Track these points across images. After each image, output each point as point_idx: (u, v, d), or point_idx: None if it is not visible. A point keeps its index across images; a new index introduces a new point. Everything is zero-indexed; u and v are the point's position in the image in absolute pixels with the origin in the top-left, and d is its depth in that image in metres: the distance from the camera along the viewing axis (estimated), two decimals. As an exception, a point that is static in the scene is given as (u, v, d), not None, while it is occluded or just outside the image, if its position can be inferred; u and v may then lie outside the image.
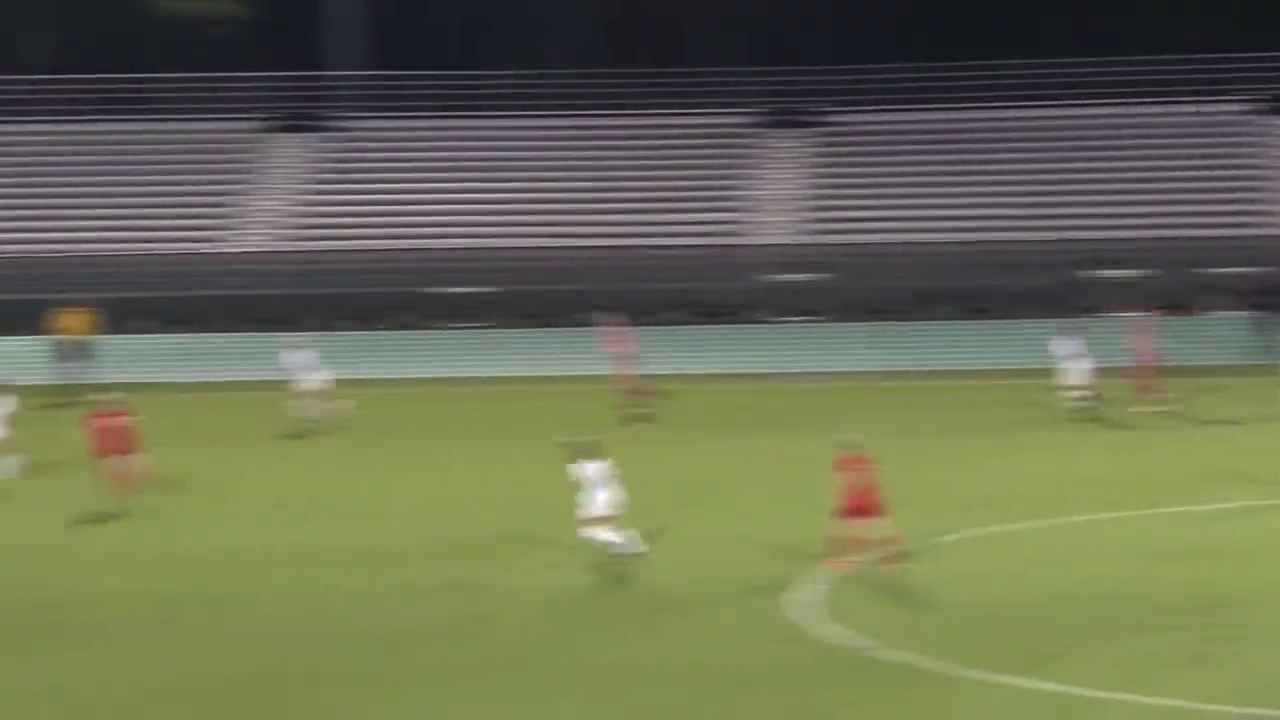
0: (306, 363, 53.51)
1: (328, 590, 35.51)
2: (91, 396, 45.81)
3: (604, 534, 36.11)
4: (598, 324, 55.65)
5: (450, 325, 72.35)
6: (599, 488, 36.10)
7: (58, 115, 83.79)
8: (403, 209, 78.34)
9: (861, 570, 35.04)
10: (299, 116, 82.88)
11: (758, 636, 31.76)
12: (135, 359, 64.77)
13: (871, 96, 79.43)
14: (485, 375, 62.74)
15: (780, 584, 34.49)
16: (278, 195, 79.72)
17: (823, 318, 71.98)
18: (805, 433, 48.84)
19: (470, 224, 77.15)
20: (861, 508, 35.21)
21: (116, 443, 42.87)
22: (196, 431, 53.42)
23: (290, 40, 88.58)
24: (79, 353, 59.11)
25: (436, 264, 74.33)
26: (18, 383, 49.28)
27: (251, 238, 77.58)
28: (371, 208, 78.73)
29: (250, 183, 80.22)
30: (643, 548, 36.41)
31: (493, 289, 72.14)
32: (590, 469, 36.21)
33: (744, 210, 77.49)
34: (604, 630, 32.54)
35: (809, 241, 75.56)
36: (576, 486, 36.28)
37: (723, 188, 78.73)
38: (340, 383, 54.12)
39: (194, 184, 79.78)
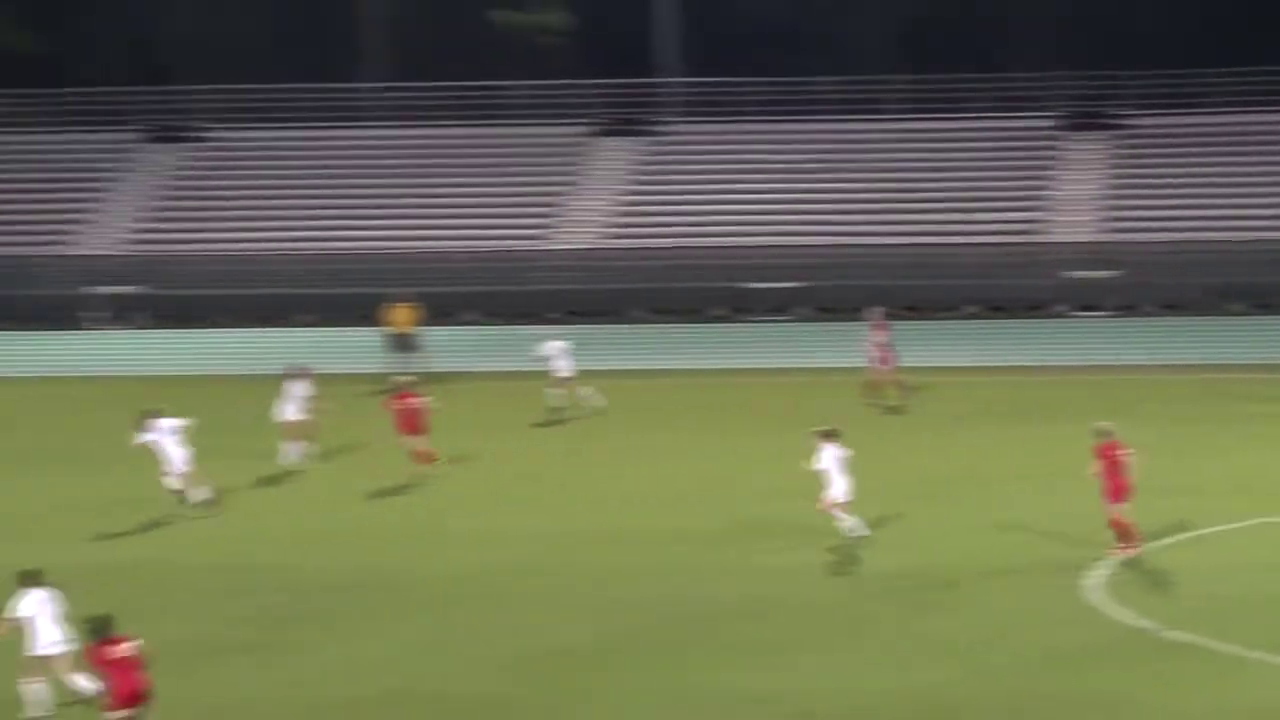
0: (561, 352, 53.42)
1: (629, 568, 35.52)
2: (393, 381, 46.28)
3: (842, 516, 36.28)
4: (867, 319, 54.89)
5: (759, 319, 72.47)
6: (839, 474, 36.14)
7: (400, 121, 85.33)
8: (717, 208, 78.41)
9: (1135, 555, 34.54)
10: (624, 121, 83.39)
11: (1054, 617, 31.65)
12: (464, 349, 65.66)
13: (1168, 100, 78.20)
14: (789, 366, 62.37)
15: (1064, 566, 34.05)
16: (602, 195, 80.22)
17: (1118, 313, 71.03)
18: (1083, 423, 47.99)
19: (779, 223, 76.98)
20: (1119, 493, 34.95)
21: (412, 423, 44.11)
22: (527, 417, 53.53)
23: (617, 50, 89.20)
24: (405, 344, 59.79)
25: (746, 260, 74.34)
26: (347, 371, 49.91)
27: (577, 235, 78.09)
28: (688, 207, 78.89)
29: (577, 183, 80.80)
30: (866, 531, 36.43)
31: (798, 284, 72.03)
32: (829, 455, 36.17)
33: (1044, 209, 76.56)
34: (896, 607, 32.34)
35: (1106, 239, 74.54)
36: (820, 472, 36.28)
37: (1023, 188, 77.84)
38: (652, 373, 54.25)
39: (525, 185, 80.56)
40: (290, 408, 46.78)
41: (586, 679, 28.70)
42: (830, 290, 69.64)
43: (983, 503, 40.39)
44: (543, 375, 53.20)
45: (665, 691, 27.99)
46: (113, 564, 36.44)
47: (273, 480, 44.97)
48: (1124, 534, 34.86)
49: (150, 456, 41.12)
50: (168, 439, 41.52)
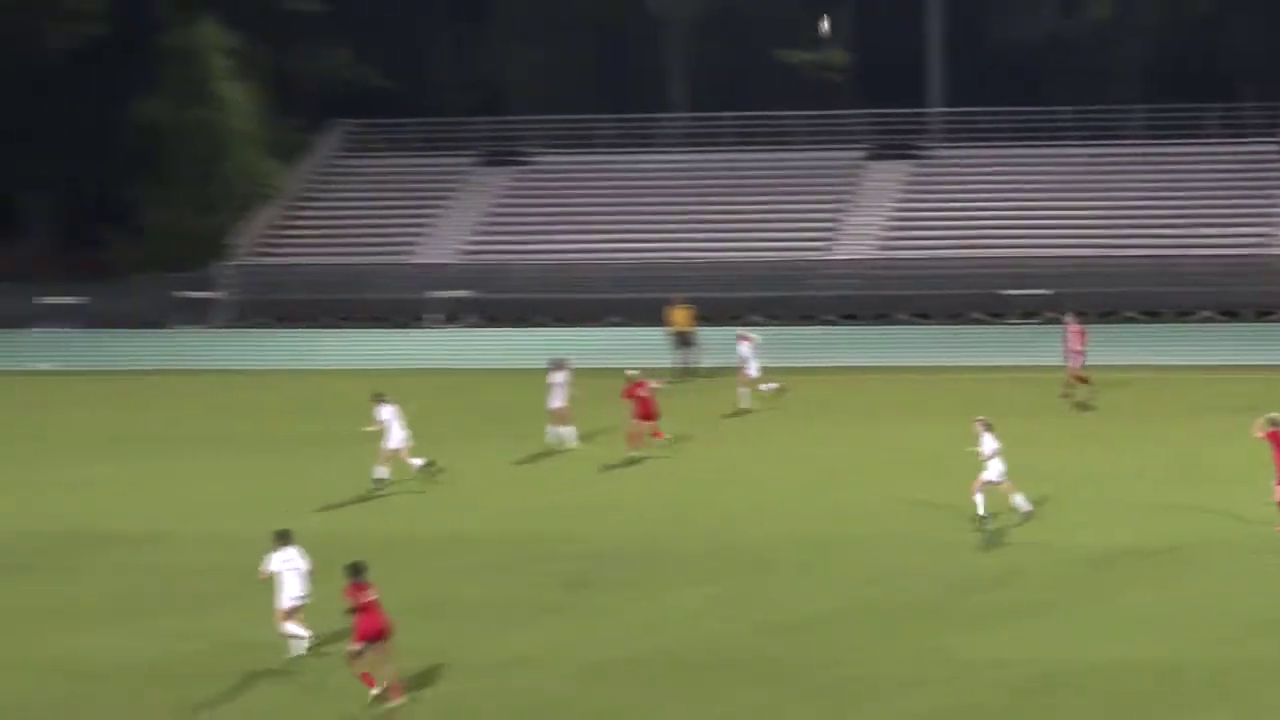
0: (752, 353, 53.06)
1: (879, 542, 35.40)
2: (630, 372, 46.59)
3: (981, 497, 36.15)
4: (1066, 322, 53.81)
5: (1013, 322, 71.96)
6: (994, 458, 36.07)
7: (696, 146, 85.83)
8: (975, 224, 77.89)
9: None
10: (894, 146, 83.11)
11: (1263, 590, 31.15)
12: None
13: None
14: (1040, 364, 61.58)
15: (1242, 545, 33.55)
16: (874, 212, 79.93)
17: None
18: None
19: (1031, 236, 76.29)
20: None
21: (645, 410, 44.90)
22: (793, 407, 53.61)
23: (888, 83, 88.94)
24: (684, 340, 60.32)
25: (1001, 270, 73.74)
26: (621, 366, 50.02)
27: (852, 247, 77.93)
28: (950, 222, 78.41)
29: (852, 202, 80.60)
30: (1028, 508, 36.31)
31: (1048, 291, 71.36)
32: (988, 441, 36.11)
33: (1273, 225, 75.09)
34: (1117, 580, 32.02)
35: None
36: (982, 457, 36.10)
37: (1253, 205, 76.39)
38: (916, 369, 53.96)
39: (807, 203, 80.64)
40: (556, 396, 46.94)
41: (846, 640, 28.70)
42: (1077, 297, 68.66)
43: (1210, 486, 39.63)
44: (811, 371, 52.93)
45: (918, 653, 27.88)
46: (434, 535, 37.04)
47: (550, 460, 45.22)
48: None
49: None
50: (392, 421, 42.23)
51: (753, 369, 52.56)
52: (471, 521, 38.06)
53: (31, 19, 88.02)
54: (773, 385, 52.47)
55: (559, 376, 47.11)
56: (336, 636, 27.75)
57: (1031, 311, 72.00)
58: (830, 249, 77.93)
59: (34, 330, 77.66)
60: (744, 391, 52.54)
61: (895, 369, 60.16)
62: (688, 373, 58.99)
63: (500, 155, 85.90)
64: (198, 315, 78.61)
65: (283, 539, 28.73)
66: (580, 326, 71.50)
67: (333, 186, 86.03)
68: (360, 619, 26.13)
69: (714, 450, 45.56)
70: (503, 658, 27.96)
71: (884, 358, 62.51)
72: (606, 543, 35.60)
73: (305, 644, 28.51)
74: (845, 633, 29.18)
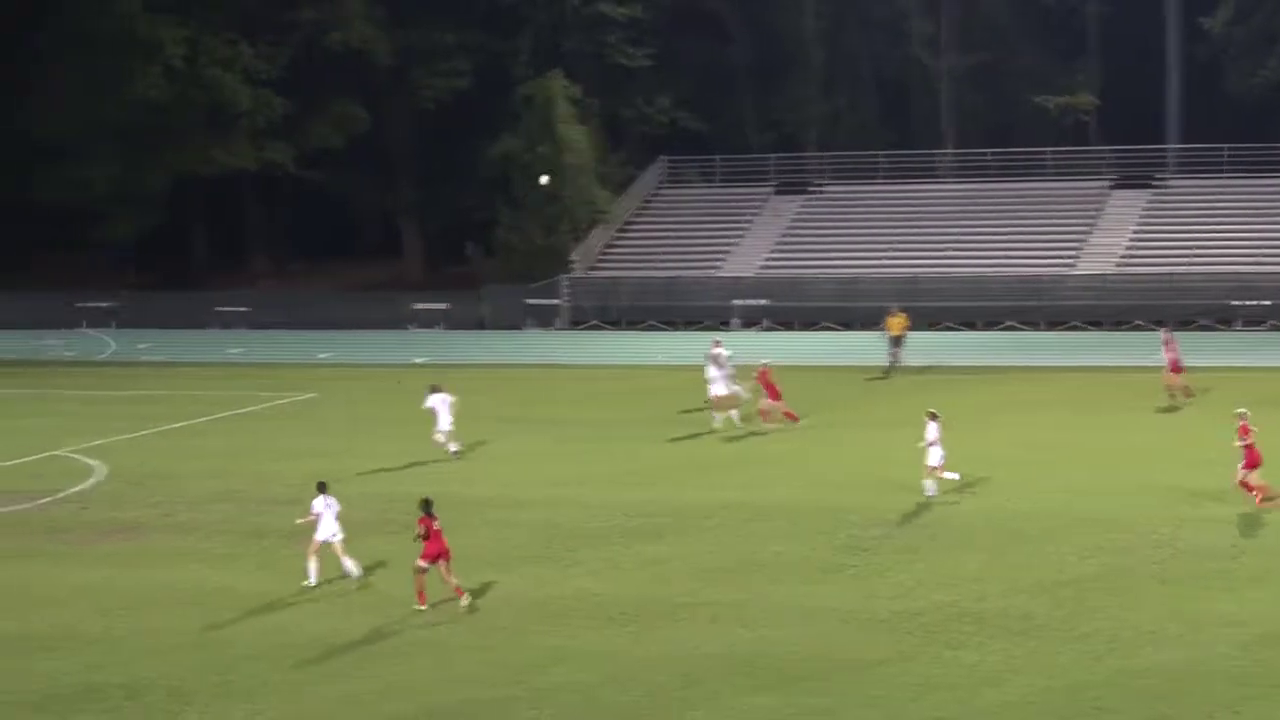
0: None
1: (1121, 517, 34.65)
2: (765, 362, 47.42)
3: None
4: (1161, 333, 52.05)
5: (1238, 330, 70.34)
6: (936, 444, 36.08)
7: (961, 177, 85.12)
8: (1206, 243, 76.19)
9: None
10: (1134, 177, 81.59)
11: None
12: (992, 349, 65.27)
13: None
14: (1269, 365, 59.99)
15: None
16: (1116, 233, 78.57)
17: None
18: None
19: (1253, 255, 74.51)
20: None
21: (773, 392, 45.86)
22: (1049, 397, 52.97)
23: (1128, 121, 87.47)
24: (896, 342, 60.14)
25: (1228, 284, 72.09)
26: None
27: (1095, 263, 76.64)
28: (1181, 243, 76.78)
29: (1096, 225, 79.31)
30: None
31: (1272, 302, 69.89)
32: (932, 429, 35.97)
33: None
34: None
35: None
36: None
37: None
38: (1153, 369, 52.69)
39: (1054, 226, 79.51)
40: (718, 384, 46.78)
41: (1095, 601, 28.22)
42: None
43: None
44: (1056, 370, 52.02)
45: (1160, 612, 27.35)
46: (741, 503, 36.91)
47: (834, 441, 44.75)
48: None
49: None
50: (441, 407, 42.87)
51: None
52: (772, 494, 38.12)
53: (414, 75, 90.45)
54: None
55: (714, 371, 46.96)
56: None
57: (1255, 320, 70.37)
58: (1075, 265, 76.73)
59: (410, 330, 79.76)
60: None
61: (1131, 369, 58.86)
62: (894, 369, 58.85)
63: (793, 185, 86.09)
64: (544, 319, 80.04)
65: (321, 488, 30.41)
66: (861, 330, 71.31)
67: (653, 211, 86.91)
68: (426, 543, 28.04)
69: (980, 436, 44.92)
70: (797, 609, 28.08)
71: (1122, 358, 61.21)
72: (888, 514, 35.31)
73: (357, 574, 30.00)
74: (1092, 593, 28.80)
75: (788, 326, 75.68)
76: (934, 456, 36.19)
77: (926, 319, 69.16)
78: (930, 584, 29.41)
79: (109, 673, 25.03)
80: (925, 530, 33.70)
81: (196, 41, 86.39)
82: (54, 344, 74.60)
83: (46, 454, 44.96)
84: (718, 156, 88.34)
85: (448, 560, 28.24)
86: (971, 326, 72.93)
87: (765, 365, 47.24)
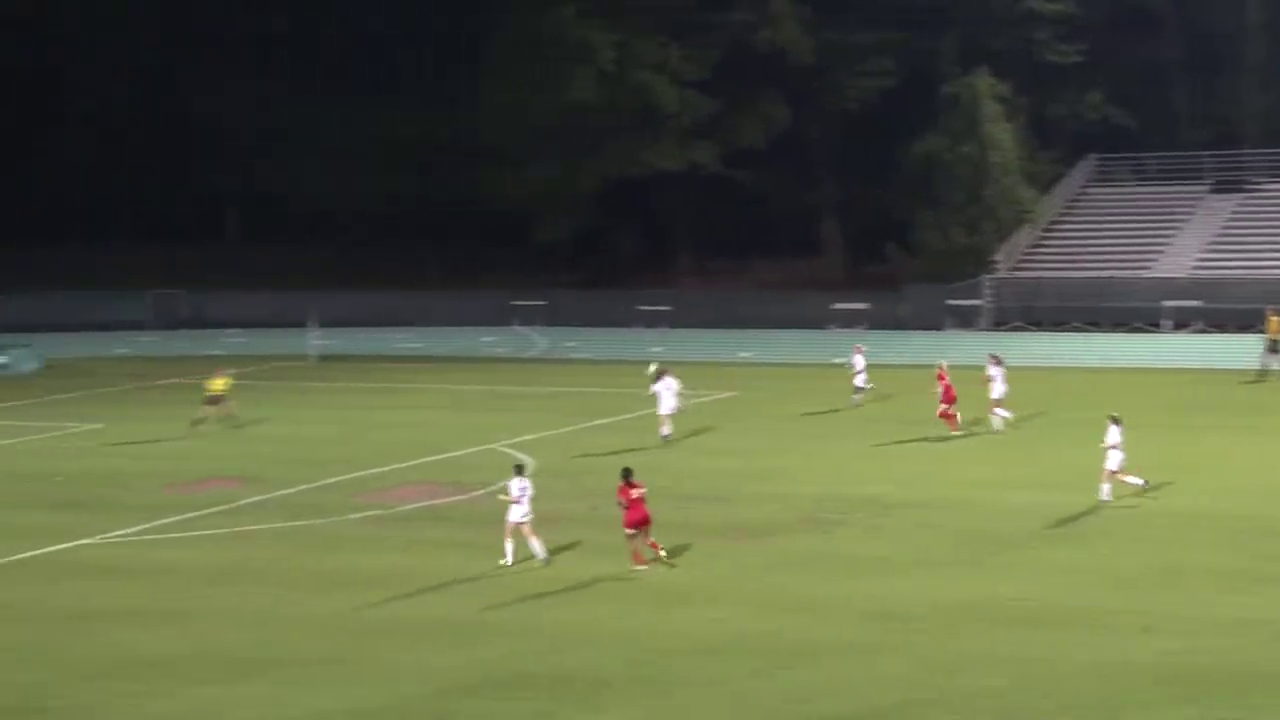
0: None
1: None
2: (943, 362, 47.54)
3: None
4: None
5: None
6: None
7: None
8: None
9: None
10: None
11: None
12: None
13: None
14: None
15: None
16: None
17: None
18: None
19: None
20: None
21: (949, 395, 46.14)
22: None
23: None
24: (1273, 348, 57.66)
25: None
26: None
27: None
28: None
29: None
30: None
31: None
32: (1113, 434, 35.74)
33: None
34: None
35: None
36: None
37: None
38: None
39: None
40: (996, 388, 46.82)
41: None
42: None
43: None
44: None
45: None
46: (1136, 509, 36.36)
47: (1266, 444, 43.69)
48: None
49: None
50: (665, 391, 46.03)
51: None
52: (1194, 500, 37.26)
53: (837, 74, 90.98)
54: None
55: (993, 370, 47.25)
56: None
57: None
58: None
59: (830, 329, 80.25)
60: None
61: None
62: (1265, 373, 57.43)
63: (1229, 184, 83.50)
64: (964, 320, 79.51)
65: (519, 471, 32.10)
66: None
67: (1081, 211, 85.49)
68: (627, 512, 30.77)
69: None
70: (1228, 621, 27.41)
71: None
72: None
73: (543, 556, 31.67)
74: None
75: (1220, 329, 73.42)
76: (1113, 460, 36.09)
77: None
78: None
79: (531, 661, 26.00)
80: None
81: (626, 45, 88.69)
82: (489, 340, 77.69)
83: (482, 447, 46.93)
84: (1150, 154, 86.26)
85: (648, 525, 31.00)
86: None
87: (942, 365, 47.57)
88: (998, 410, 47.25)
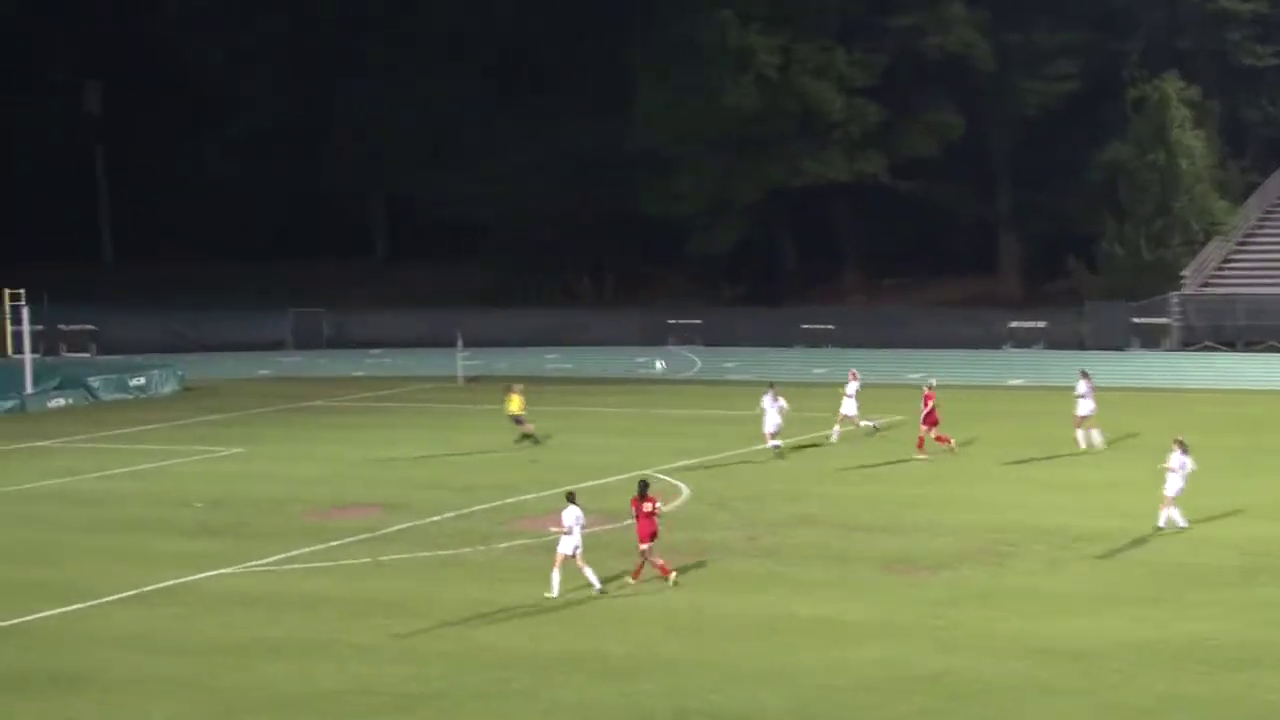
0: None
1: None
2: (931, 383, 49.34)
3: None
4: None
5: None
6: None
7: None
8: None
9: None
10: None
11: None
12: None
13: None
14: None
15: None
16: None
17: None
18: None
19: None
20: None
21: (930, 418, 47.50)
22: None
23: None
24: None
25: None
26: None
27: None
28: None
29: None
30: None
31: None
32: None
33: None
34: None
35: None
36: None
37: None
38: None
39: None
40: (1082, 405, 48.07)
41: None
42: None
43: None
44: None
45: None
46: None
47: None
48: None
49: None
50: (771, 407, 48.20)
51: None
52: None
53: (1016, 79, 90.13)
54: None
55: (1083, 387, 48.28)
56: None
57: None
58: None
59: (1006, 350, 79.52)
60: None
61: None
62: None
63: None
64: (1150, 340, 78.41)
65: (571, 498, 32.70)
66: None
67: (1277, 222, 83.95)
68: (638, 527, 32.28)
69: None
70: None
71: None
72: None
73: (598, 586, 32.25)
74: None
75: None
76: (1171, 486, 36.58)
77: None
78: None
79: (693, 698, 26.00)
80: None
81: (790, 49, 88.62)
82: (643, 360, 77.94)
83: (635, 472, 47.06)
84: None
85: (655, 540, 32.39)
86: None
87: (931, 384, 48.90)
88: (1086, 429, 48.21)
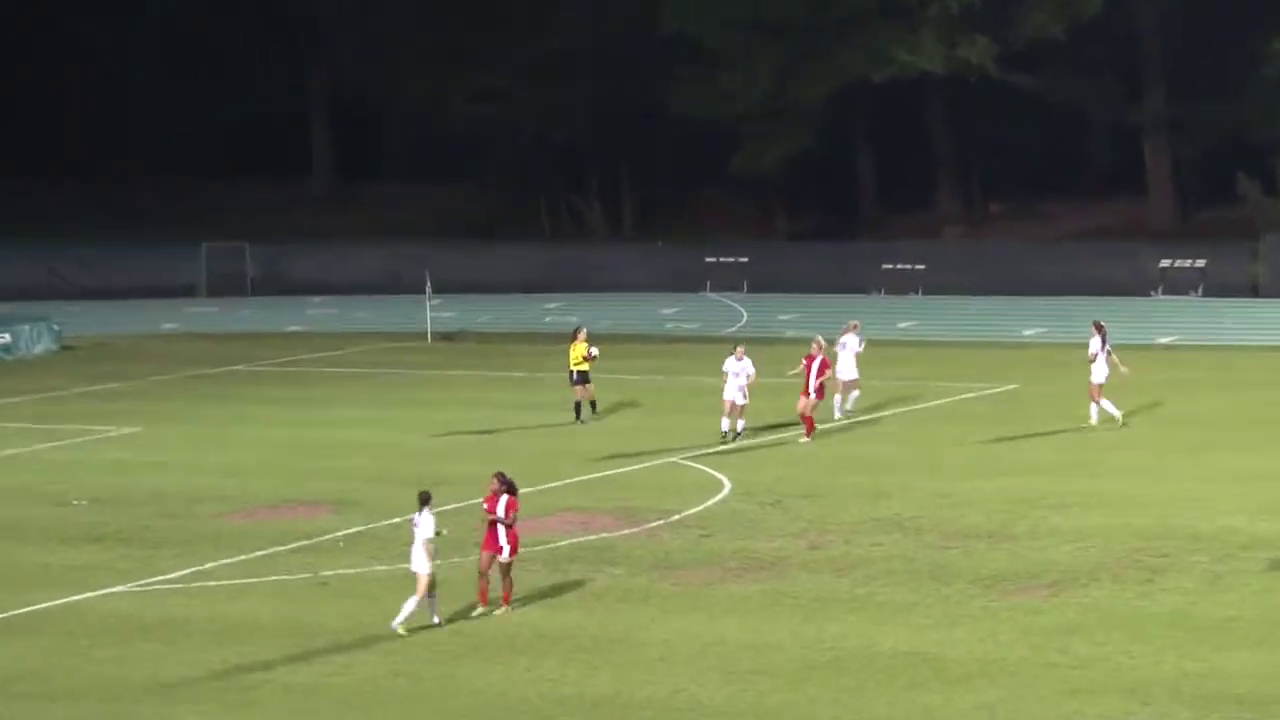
0: None
1: None
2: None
3: None
4: None
5: None
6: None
7: None
8: None
9: None
10: None
11: None
12: None
13: None
14: None
15: None
16: None
17: None
18: None
19: None
20: None
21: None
22: None
23: None
24: None
25: None
26: None
27: None
28: None
29: None
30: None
31: None
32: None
33: None
34: None
35: None
36: None
37: None
38: None
39: None
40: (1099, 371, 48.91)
41: None
42: None
43: None
44: None
45: None
46: None
47: None
48: None
49: None
50: (735, 374, 49.07)
51: None
52: None
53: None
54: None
55: (1095, 344, 49.01)
56: None
57: None
58: None
59: (1154, 296, 79.39)
60: None
61: None
62: None
63: None
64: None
65: (424, 501, 32.70)
66: None
67: None
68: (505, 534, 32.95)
69: None
70: None
71: None
72: None
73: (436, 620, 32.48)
74: None
75: None
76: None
77: None
78: None
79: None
80: None
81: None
82: (672, 311, 77.81)
83: (662, 460, 47.10)
84: None
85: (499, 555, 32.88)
86: None
87: (817, 342, 49.69)
88: (1099, 400, 48.82)
